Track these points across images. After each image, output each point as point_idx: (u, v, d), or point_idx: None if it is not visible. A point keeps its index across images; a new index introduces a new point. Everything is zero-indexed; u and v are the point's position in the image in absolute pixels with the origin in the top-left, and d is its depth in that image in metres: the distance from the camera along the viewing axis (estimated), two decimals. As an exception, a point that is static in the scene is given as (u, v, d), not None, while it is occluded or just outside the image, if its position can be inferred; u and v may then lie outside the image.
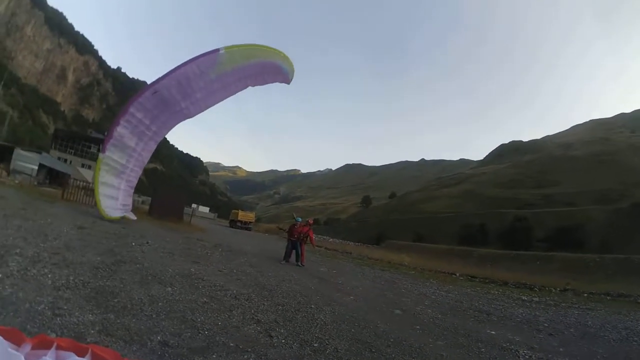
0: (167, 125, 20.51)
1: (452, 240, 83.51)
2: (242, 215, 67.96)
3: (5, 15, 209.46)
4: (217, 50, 17.59)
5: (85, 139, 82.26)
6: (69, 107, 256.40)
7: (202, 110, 20.14)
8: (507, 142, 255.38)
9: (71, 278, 6.25)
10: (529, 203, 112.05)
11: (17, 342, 1.51)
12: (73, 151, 77.62)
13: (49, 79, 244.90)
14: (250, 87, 20.14)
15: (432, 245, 73.65)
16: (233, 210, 74.70)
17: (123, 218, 19.50)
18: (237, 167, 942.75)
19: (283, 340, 5.68)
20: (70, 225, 12.84)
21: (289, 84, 20.92)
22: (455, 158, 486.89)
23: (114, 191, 19.48)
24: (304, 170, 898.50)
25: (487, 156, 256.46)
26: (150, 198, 41.00)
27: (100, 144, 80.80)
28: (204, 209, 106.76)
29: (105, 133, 20.49)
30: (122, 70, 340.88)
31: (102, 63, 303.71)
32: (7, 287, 5.07)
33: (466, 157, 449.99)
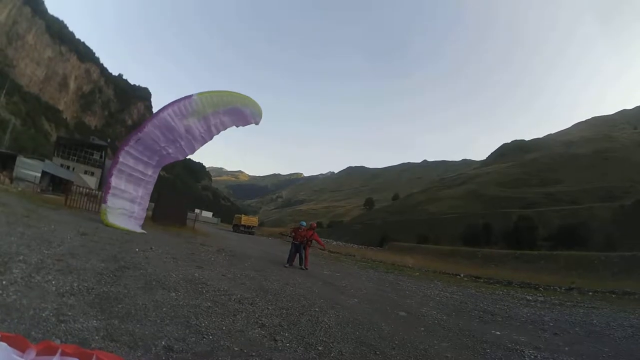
0: (162, 165, 21.69)
1: (456, 241, 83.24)
2: (245, 220, 68.12)
3: (6, 23, 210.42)
4: (191, 96, 19.23)
5: (87, 146, 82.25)
6: (71, 115, 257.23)
7: (190, 154, 21.62)
8: (509, 141, 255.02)
9: (75, 284, 6.26)
10: (533, 202, 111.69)
11: (21, 349, 1.52)
12: (76, 158, 77.67)
13: (50, 86, 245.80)
14: (222, 130, 21.78)
15: (436, 247, 73.47)
16: (236, 215, 74.84)
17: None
18: (239, 171, 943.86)
19: (287, 344, 5.67)
20: (74, 231, 12.87)
21: (258, 124, 22.61)
22: (458, 159, 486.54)
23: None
24: (306, 174, 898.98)
25: (489, 156, 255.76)
26: (153, 204, 41.00)
27: (102, 150, 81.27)
28: (207, 214, 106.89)
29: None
30: (124, 77, 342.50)
31: (103, 70, 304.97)
32: (11, 293, 5.08)
33: (468, 158, 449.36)
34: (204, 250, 16.45)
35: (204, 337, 5.19)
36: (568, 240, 65.37)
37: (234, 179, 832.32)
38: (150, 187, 21.84)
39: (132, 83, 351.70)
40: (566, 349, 8.26)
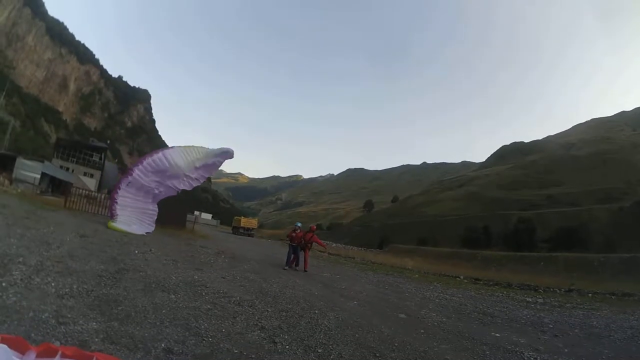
0: (159, 199, 22.28)
1: (456, 243, 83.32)
2: (245, 222, 68.05)
3: (6, 25, 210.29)
4: (172, 147, 21.20)
5: (87, 148, 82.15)
6: (71, 116, 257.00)
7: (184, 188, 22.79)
8: (508, 143, 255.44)
9: (75, 286, 6.26)
10: (532, 204, 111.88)
11: (21, 351, 1.52)
12: (75, 160, 77.57)
13: (50, 88, 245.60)
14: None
15: (435, 249, 73.58)
16: (235, 217, 74.75)
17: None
18: (239, 173, 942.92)
19: (287, 347, 5.67)
20: (73, 233, 12.86)
21: (232, 157, 23.14)
22: (457, 161, 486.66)
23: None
24: (306, 176, 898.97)
25: (489, 158, 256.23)
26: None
27: (102, 152, 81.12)
28: (207, 216, 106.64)
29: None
30: (124, 79, 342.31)
31: (103, 72, 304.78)
32: (11, 295, 5.09)
33: (468, 160, 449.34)
34: (203, 253, 16.43)
35: (204, 340, 5.18)
36: (567, 242, 65.51)
37: (233, 181, 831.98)
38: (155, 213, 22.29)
39: (131, 85, 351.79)
40: (566, 350, 8.26)
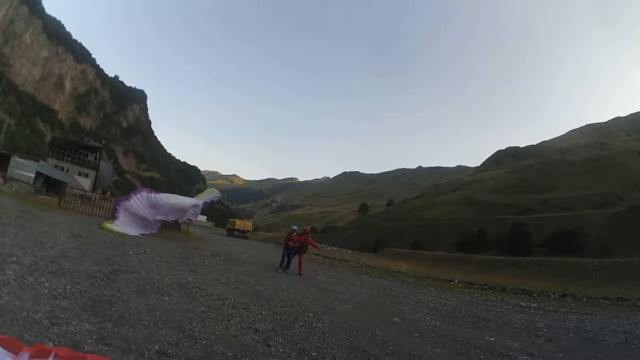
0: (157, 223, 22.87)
1: (451, 247, 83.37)
2: (240, 224, 67.89)
3: (3, 22, 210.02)
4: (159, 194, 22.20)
5: (82, 147, 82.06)
6: (67, 115, 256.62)
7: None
8: (504, 148, 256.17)
9: (68, 287, 6.24)
10: (527, 208, 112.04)
11: (14, 351, 1.51)
12: (70, 159, 77.43)
13: (46, 87, 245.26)
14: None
15: (430, 253, 73.51)
16: (230, 219, 74.61)
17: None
18: (234, 175, 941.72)
19: (281, 350, 5.66)
20: (67, 233, 12.83)
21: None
22: (453, 165, 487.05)
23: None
24: (301, 179, 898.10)
25: (484, 162, 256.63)
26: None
27: (97, 152, 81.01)
28: (201, 218, 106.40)
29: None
30: (120, 79, 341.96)
31: (99, 71, 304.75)
32: (4, 295, 5.07)
33: (463, 164, 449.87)
34: (197, 255, 16.39)
35: (198, 342, 5.17)
36: (562, 246, 65.74)
37: (228, 183, 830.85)
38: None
39: (127, 85, 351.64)
40: (560, 355, 8.29)
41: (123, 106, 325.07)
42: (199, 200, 23.89)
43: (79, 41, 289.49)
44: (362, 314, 10.18)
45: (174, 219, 22.65)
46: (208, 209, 26.16)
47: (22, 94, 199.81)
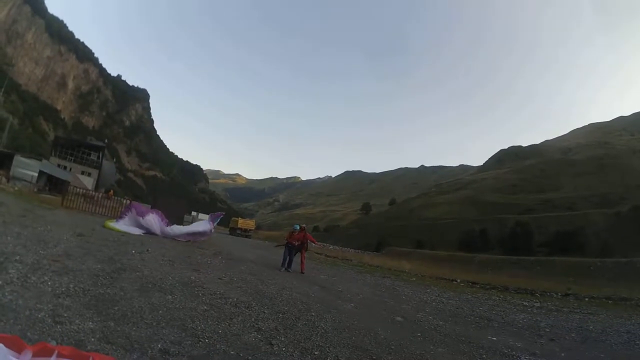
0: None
1: (453, 247, 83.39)
2: (242, 223, 67.97)
3: (6, 22, 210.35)
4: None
5: (85, 147, 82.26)
6: (69, 115, 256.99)
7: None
8: (506, 147, 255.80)
9: (71, 285, 6.24)
10: (530, 208, 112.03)
11: (18, 350, 1.51)
12: (73, 158, 77.64)
13: (49, 86, 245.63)
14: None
15: (432, 252, 73.64)
16: (233, 218, 74.63)
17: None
18: (237, 174, 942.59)
19: (284, 349, 5.66)
20: (70, 232, 12.83)
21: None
22: (455, 164, 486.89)
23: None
24: (303, 178, 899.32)
25: (486, 162, 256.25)
26: (150, 206, 40.98)
27: (100, 151, 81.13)
28: (204, 217, 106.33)
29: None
30: (122, 78, 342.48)
31: (102, 71, 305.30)
32: (7, 294, 5.06)
33: (466, 163, 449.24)
34: (200, 253, 16.37)
35: (200, 341, 5.16)
36: (564, 246, 65.70)
37: (231, 182, 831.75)
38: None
39: (130, 84, 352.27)
40: (562, 354, 8.28)
41: (125, 105, 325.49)
42: (208, 222, 23.69)
43: (81, 40, 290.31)
44: (365, 313, 10.17)
45: (185, 240, 22.61)
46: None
47: (24, 93, 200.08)
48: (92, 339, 4.31)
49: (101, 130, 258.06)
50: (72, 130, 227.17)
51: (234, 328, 6.16)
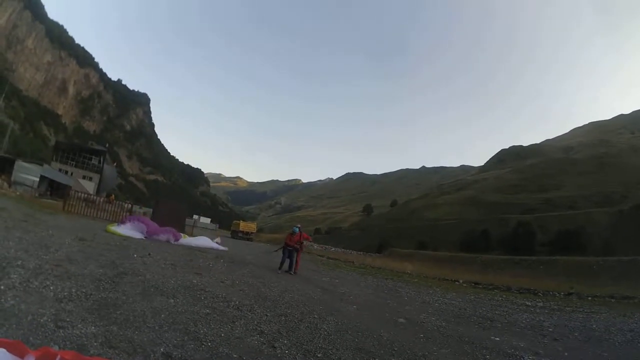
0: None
1: (455, 247, 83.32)
2: (244, 226, 68.18)
3: (6, 27, 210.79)
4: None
5: (86, 151, 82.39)
6: (70, 119, 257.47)
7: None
8: (507, 147, 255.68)
9: (73, 290, 6.24)
10: (531, 208, 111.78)
11: (20, 355, 1.51)
12: (74, 163, 77.75)
13: (50, 91, 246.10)
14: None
15: (434, 253, 73.44)
16: (234, 221, 74.89)
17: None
18: (238, 177, 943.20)
19: (287, 351, 5.64)
20: (72, 237, 12.84)
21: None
22: (456, 164, 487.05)
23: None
24: (305, 180, 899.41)
25: (487, 162, 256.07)
26: (151, 209, 41.06)
27: (101, 155, 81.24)
28: (205, 220, 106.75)
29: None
30: (123, 83, 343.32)
31: (102, 75, 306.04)
32: (9, 298, 5.06)
33: (467, 164, 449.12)
34: (202, 257, 16.38)
35: (203, 344, 5.16)
36: (566, 245, 65.66)
37: (232, 185, 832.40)
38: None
39: (131, 88, 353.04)
40: (566, 354, 8.27)
41: (126, 110, 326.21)
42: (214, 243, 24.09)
43: (81, 46, 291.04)
44: (367, 315, 10.16)
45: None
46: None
47: (25, 99, 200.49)
48: (95, 344, 4.30)
49: (102, 135, 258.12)
50: (73, 135, 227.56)
51: (237, 331, 6.16)
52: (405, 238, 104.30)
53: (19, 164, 46.27)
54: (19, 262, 7.14)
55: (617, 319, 13.33)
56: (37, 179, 47.04)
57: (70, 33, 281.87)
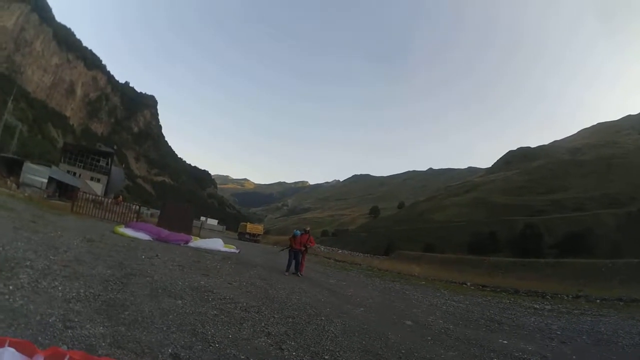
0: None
1: (462, 249, 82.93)
2: (251, 228, 68.33)
3: (14, 30, 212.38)
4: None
5: (94, 153, 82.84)
6: (78, 121, 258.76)
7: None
8: (514, 148, 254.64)
9: (82, 291, 6.28)
10: (539, 209, 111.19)
11: (29, 355, 1.52)
12: (82, 165, 78.16)
13: (58, 93, 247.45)
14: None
15: (442, 255, 73.16)
16: (242, 223, 75.08)
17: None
18: (245, 179, 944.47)
19: (294, 353, 5.65)
20: (80, 238, 12.91)
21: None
22: (463, 166, 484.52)
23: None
24: (311, 182, 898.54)
25: (495, 163, 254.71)
26: (158, 211, 41.21)
27: (109, 157, 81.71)
28: (213, 222, 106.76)
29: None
30: (130, 85, 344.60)
31: (110, 78, 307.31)
32: (18, 299, 5.10)
33: (474, 165, 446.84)
34: (209, 258, 16.42)
35: (210, 346, 5.17)
36: (574, 247, 65.20)
37: (239, 187, 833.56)
38: None
39: (138, 91, 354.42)
40: (574, 357, 8.22)
41: (134, 112, 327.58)
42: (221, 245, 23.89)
43: (89, 48, 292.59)
44: (375, 317, 10.14)
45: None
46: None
47: (33, 101, 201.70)
48: (103, 344, 4.33)
49: (110, 137, 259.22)
50: (81, 136, 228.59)
51: (244, 333, 6.18)
52: (412, 240, 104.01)
53: (28, 165, 46.53)
54: (28, 263, 7.20)
55: (625, 322, 13.23)
56: (46, 181, 47.28)
57: (78, 36, 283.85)
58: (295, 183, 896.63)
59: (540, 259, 56.02)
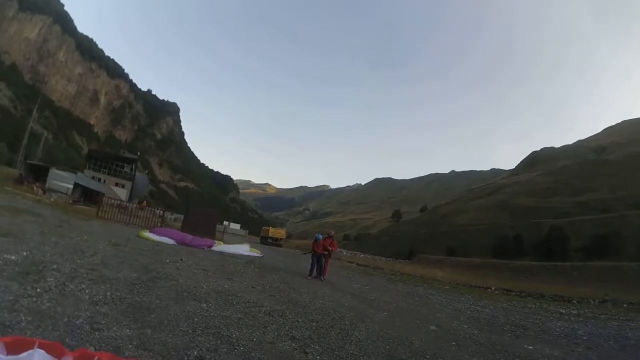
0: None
1: (486, 253, 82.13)
2: (273, 232, 68.43)
3: (37, 41, 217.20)
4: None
5: (118, 159, 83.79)
6: (102, 129, 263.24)
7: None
8: (538, 149, 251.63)
9: (108, 294, 6.35)
10: (564, 212, 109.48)
11: (58, 356, 1.54)
12: (107, 171, 79.10)
13: (81, 102, 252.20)
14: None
15: (465, 259, 72.68)
16: (264, 227, 75.26)
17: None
18: (267, 184, 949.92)
19: (318, 357, 5.63)
20: (106, 242, 13.09)
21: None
22: (486, 168, 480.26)
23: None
24: (333, 186, 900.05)
25: (518, 165, 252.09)
26: (182, 216, 41.55)
27: (133, 163, 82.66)
28: (235, 226, 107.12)
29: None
30: (153, 93, 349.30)
31: (132, 86, 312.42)
32: (45, 301, 5.18)
33: (497, 167, 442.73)
34: (232, 262, 16.50)
35: (235, 349, 5.18)
36: (601, 250, 64.10)
37: (261, 191, 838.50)
38: None
39: (160, 98, 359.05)
40: (600, 363, 8.07)
41: (157, 118, 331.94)
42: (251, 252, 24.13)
43: (111, 57, 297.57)
44: (398, 322, 10.06)
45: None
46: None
47: (58, 109, 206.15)
48: (130, 346, 4.37)
49: (133, 143, 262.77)
50: (105, 143, 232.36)
51: (269, 336, 6.17)
52: (435, 244, 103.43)
53: (53, 171, 47.34)
54: (55, 266, 7.31)
55: (654, 327, 12.97)
56: (71, 186, 47.99)
57: (100, 45, 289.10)
58: (317, 187, 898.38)
59: (566, 263, 55.23)
